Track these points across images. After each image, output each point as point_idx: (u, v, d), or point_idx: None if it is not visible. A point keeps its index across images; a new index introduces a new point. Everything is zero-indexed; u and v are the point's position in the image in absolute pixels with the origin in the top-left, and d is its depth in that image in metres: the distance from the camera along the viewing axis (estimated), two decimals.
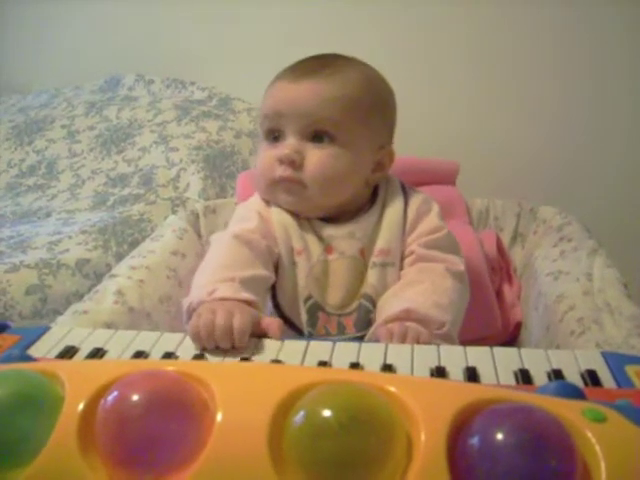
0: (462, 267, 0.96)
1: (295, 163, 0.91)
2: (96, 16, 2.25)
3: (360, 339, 0.91)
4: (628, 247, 1.61)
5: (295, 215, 0.97)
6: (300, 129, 0.92)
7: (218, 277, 0.86)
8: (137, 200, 1.58)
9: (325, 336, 0.94)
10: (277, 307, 0.97)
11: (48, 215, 1.58)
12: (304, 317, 0.95)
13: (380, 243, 0.95)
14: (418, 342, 0.77)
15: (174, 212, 1.48)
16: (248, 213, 0.99)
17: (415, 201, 0.99)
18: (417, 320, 0.83)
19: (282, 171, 0.92)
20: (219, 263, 0.90)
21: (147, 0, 2.17)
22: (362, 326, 0.94)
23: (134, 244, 1.34)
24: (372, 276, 0.94)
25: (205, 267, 0.92)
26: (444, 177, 1.32)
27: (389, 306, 0.88)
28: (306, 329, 0.95)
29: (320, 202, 0.95)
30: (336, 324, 0.95)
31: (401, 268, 0.96)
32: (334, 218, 0.97)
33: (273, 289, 0.96)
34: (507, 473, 0.44)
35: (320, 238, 0.96)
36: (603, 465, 0.46)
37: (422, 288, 0.89)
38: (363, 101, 0.94)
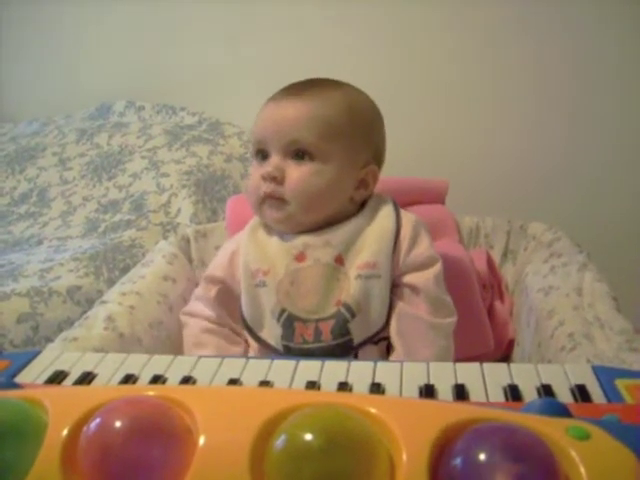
0: (450, 319, 0.98)
1: (276, 179, 0.95)
2: (86, 44, 2.26)
3: (335, 347, 0.94)
4: (618, 260, 1.61)
5: (266, 236, 1.02)
6: (282, 148, 0.96)
7: None
8: (128, 226, 1.58)
9: (302, 344, 0.95)
10: (248, 329, 1.01)
11: (40, 243, 1.58)
12: (278, 331, 0.96)
13: (366, 255, 0.96)
14: None
15: (165, 237, 1.49)
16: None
17: (408, 222, 1.00)
18: None
19: (266, 187, 0.96)
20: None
21: (137, 27, 2.19)
22: (339, 334, 0.95)
23: (126, 270, 1.34)
24: (355, 287, 0.95)
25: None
26: (433, 196, 1.32)
27: None
28: (281, 343, 0.96)
29: (302, 218, 0.97)
30: (313, 330, 0.95)
31: (391, 284, 0.97)
32: (308, 230, 0.99)
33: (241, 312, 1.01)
34: None
35: (289, 250, 0.98)
36: None
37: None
38: (343, 121, 0.97)
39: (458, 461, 0.46)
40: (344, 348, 0.94)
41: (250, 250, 1.01)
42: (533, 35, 1.85)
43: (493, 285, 1.26)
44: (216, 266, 1.05)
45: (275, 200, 0.96)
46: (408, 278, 0.97)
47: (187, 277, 1.22)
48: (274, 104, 0.99)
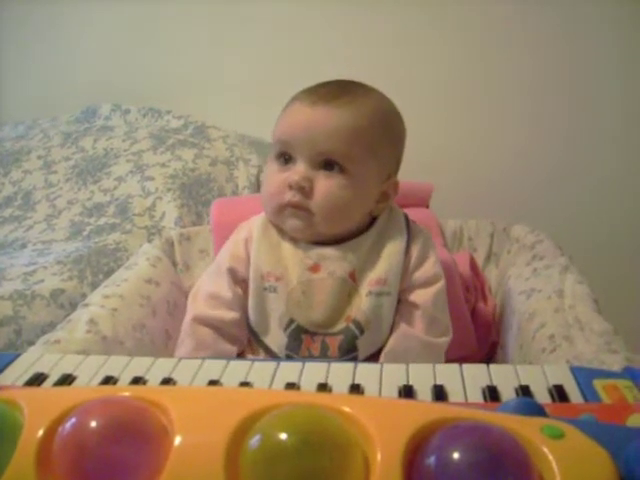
0: (445, 338, 0.98)
1: (304, 190, 0.92)
2: (72, 47, 2.26)
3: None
4: (599, 263, 1.62)
5: (279, 239, 0.99)
6: (311, 157, 0.93)
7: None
8: (113, 229, 1.57)
9: (307, 358, 0.94)
10: (252, 333, 0.99)
11: (24, 246, 1.57)
12: (283, 341, 0.96)
13: (378, 272, 0.96)
14: None
15: (150, 241, 1.48)
16: (222, 264, 1.01)
17: (419, 239, 1.00)
18: None
19: (291, 196, 0.93)
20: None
21: (123, 30, 2.18)
22: (346, 350, 0.95)
23: (110, 274, 1.33)
24: (365, 304, 0.95)
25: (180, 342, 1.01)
26: (418, 199, 1.33)
27: None
28: (284, 352, 0.96)
29: (324, 230, 0.96)
30: (320, 345, 0.95)
31: (399, 300, 0.97)
32: (324, 242, 0.98)
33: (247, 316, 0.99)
34: None
35: (303, 259, 0.96)
36: None
37: None
38: (375, 133, 0.95)
39: (432, 460, 0.46)
40: None
41: (262, 251, 0.98)
42: (525, 38, 1.86)
43: (476, 287, 1.27)
44: (235, 258, 1.00)
45: (299, 210, 0.93)
46: (410, 295, 0.97)
47: (171, 280, 1.21)
48: (303, 108, 0.94)
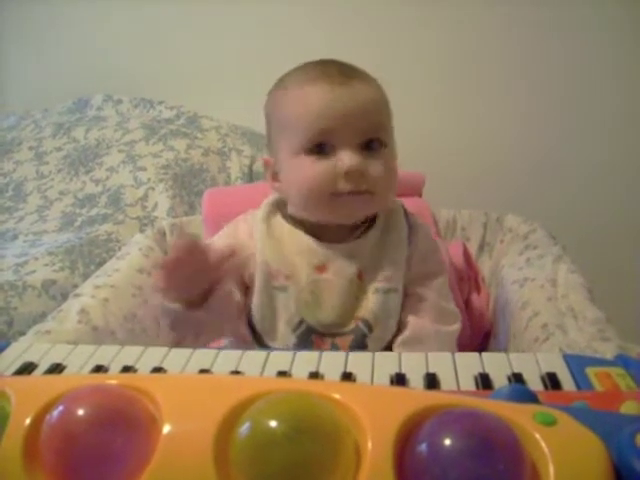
0: (456, 325, 0.98)
1: (361, 174, 0.88)
2: (64, 38, 2.24)
3: None
4: (592, 252, 1.62)
5: (282, 235, 0.96)
6: (355, 138, 0.88)
7: None
8: (105, 220, 1.57)
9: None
10: (255, 336, 0.95)
11: (15, 237, 1.56)
12: (291, 341, 0.92)
13: (384, 270, 0.94)
14: None
15: (142, 231, 1.47)
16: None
17: (421, 233, 1.00)
18: None
19: (352, 186, 0.88)
20: None
21: (114, 21, 2.17)
22: (356, 349, 0.92)
23: (102, 264, 1.32)
24: (374, 302, 0.93)
25: None
26: (410, 189, 1.32)
27: None
28: None
29: (381, 208, 0.96)
30: (330, 346, 0.92)
31: (403, 294, 0.96)
32: (330, 239, 0.95)
33: (249, 319, 0.95)
34: (455, 479, 0.44)
35: (310, 258, 0.94)
36: (552, 468, 0.45)
37: None
38: (388, 103, 0.95)
39: (423, 447, 0.45)
40: None
41: (267, 247, 0.94)
42: (521, 32, 1.85)
43: (470, 277, 1.26)
44: (239, 245, 0.93)
45: (362, 195, 0.89)
46: (416, 288, 0.96)
47: None
48: (336, 87, 0.88)
